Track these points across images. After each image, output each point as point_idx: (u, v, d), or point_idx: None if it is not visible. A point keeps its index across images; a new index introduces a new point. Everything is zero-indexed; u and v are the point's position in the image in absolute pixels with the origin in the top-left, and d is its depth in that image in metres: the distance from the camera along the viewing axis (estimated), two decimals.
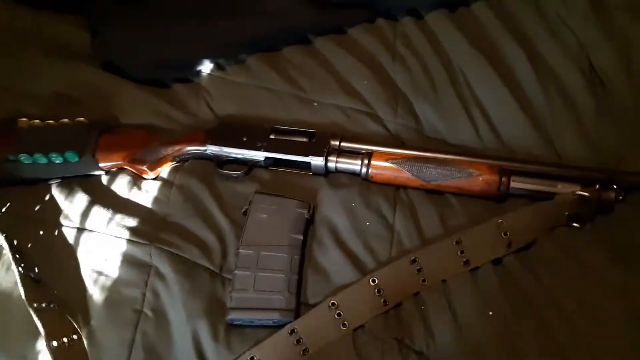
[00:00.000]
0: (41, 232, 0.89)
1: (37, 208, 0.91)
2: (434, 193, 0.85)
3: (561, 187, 0.80)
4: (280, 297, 0.77)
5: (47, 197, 0.92)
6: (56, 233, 0.88)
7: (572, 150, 0.86)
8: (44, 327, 0.76)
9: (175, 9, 1.00)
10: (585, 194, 0.78)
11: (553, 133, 0.87)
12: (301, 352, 0.75)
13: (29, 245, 0.87)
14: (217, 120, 0.96)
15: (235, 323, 0.78)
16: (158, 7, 1.00)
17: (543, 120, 0.88)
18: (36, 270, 0.85)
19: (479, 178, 0.82)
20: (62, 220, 0.89)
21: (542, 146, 0.87)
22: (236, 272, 0.80)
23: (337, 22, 1.00)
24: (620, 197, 0.78)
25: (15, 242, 0.85)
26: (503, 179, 0.81)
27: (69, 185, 0.92)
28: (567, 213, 0.78)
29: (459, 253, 0.78)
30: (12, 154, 0.91)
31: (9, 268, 0.86)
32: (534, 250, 0.79)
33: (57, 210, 0.90)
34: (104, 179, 0.93)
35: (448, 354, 0.73)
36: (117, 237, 0.86)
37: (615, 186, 0.78)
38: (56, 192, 0.92)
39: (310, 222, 0.85)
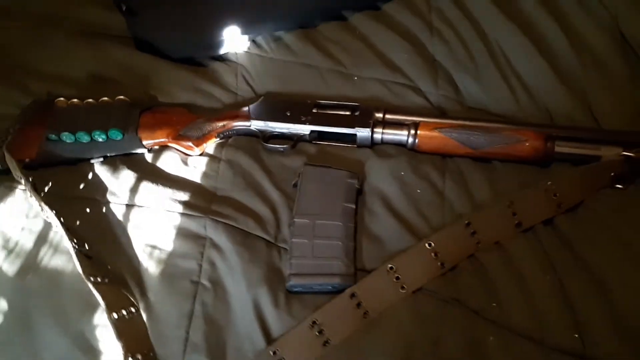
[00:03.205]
0: (87, 210, 0.88)
1: (81, 187, 0.90)
2: (480, 160, 0.87)
3: (604, 150, 0.82)
4: (339, 263, 0.79)
5: (91, 176, 0.91)
6: (104, 210, 0.88)
7: (609, 116, 0.89)
8: (103, 299, 0.76)
9: None
10: (631, 154, 0.81)
11: (590, 100, 0.90)
12: (362, 315, 0.76)
13: (77, 223, 0.87)
14: (257, 97, 0.97)
15: (295, 290, 0.79)
16: None
17: (579, 88, 0.91)
18: (86, 246, 0.84)
19: (525, 144, 0.84)
20: (109, 198, 0.89)
21: (581, 113, 0.90)
22: (293, 240, 0.81)
23: None
24: None
25: (62, 220, 0.85)
26: (548, 144, 0.84)
27: (113, 163, 0.92)
28: (612, 174, 0.81)
29: (511, 215, 0.80)
30: (53, 134, 0.90)
31: (57, 247, 0.86)
32: (582, 211, 0.81)
33: (102, 188, 0.90)
34: (148, 157, 0.93)
35: (507, 311, 0.75)
36: (169, 211, 0.86)
37: None
38: (100, 171, 0.91)
39: (359, 192, 0.86)
